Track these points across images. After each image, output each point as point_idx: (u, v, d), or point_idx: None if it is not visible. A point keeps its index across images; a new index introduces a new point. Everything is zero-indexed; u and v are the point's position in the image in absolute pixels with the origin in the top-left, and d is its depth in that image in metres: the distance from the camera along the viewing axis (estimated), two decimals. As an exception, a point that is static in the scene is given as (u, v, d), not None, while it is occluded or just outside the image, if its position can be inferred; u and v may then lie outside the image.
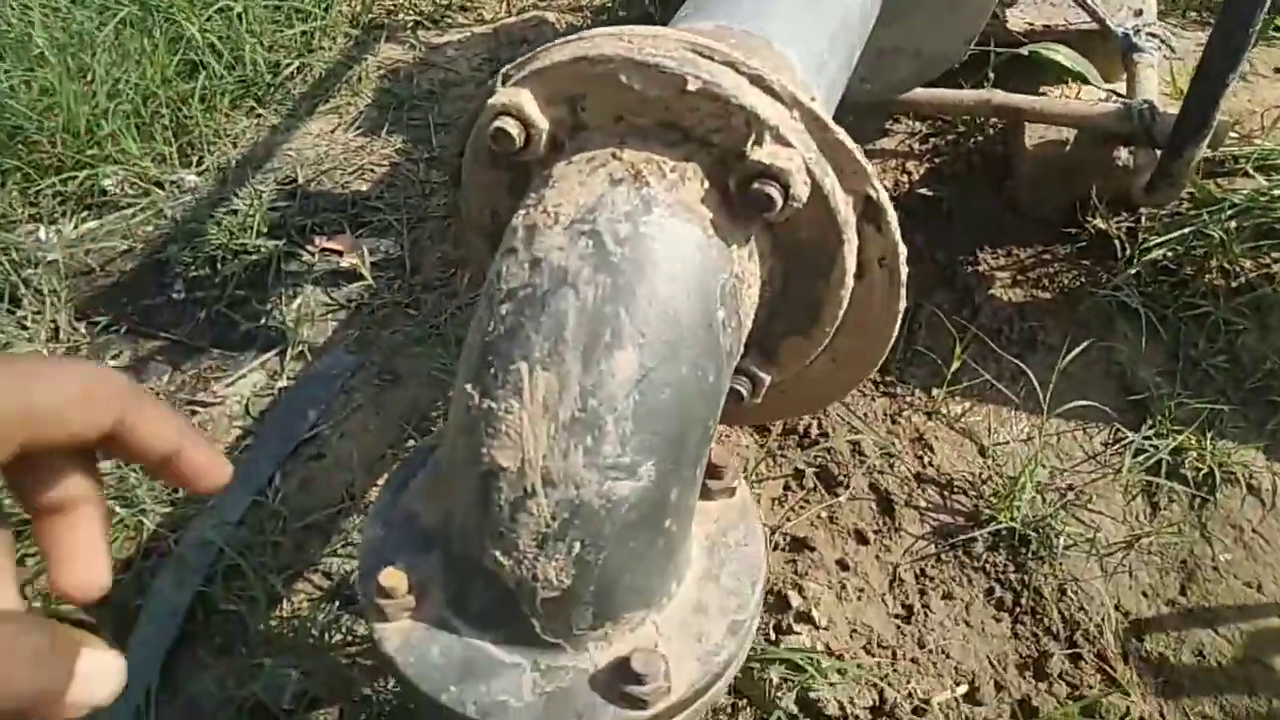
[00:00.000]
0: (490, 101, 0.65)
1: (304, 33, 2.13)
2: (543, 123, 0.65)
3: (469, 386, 0.60)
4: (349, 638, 1.16)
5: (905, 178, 1.71)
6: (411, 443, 1.34)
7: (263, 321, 1.54)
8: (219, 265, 1.62)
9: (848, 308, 0.69)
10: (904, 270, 0.67)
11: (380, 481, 1.30)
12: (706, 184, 0.62)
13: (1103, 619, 1.20)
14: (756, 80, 0.61)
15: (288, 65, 2.08)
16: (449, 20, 2.27)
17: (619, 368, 0.57)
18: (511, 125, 0.64)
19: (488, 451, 0.58)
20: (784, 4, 0.81)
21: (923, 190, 1.66)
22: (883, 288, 0.68)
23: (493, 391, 0.58)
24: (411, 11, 2.27)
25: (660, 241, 0.60)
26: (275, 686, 1.10)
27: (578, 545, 0.58)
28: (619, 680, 0.60)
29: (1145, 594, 1.23)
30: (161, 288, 1.62)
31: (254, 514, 1.28)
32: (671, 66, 0.61)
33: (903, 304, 0.69)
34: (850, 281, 0.67)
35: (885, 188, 0.66)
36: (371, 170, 1.82)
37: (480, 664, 0.62)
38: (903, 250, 0.66)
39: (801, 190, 0.60)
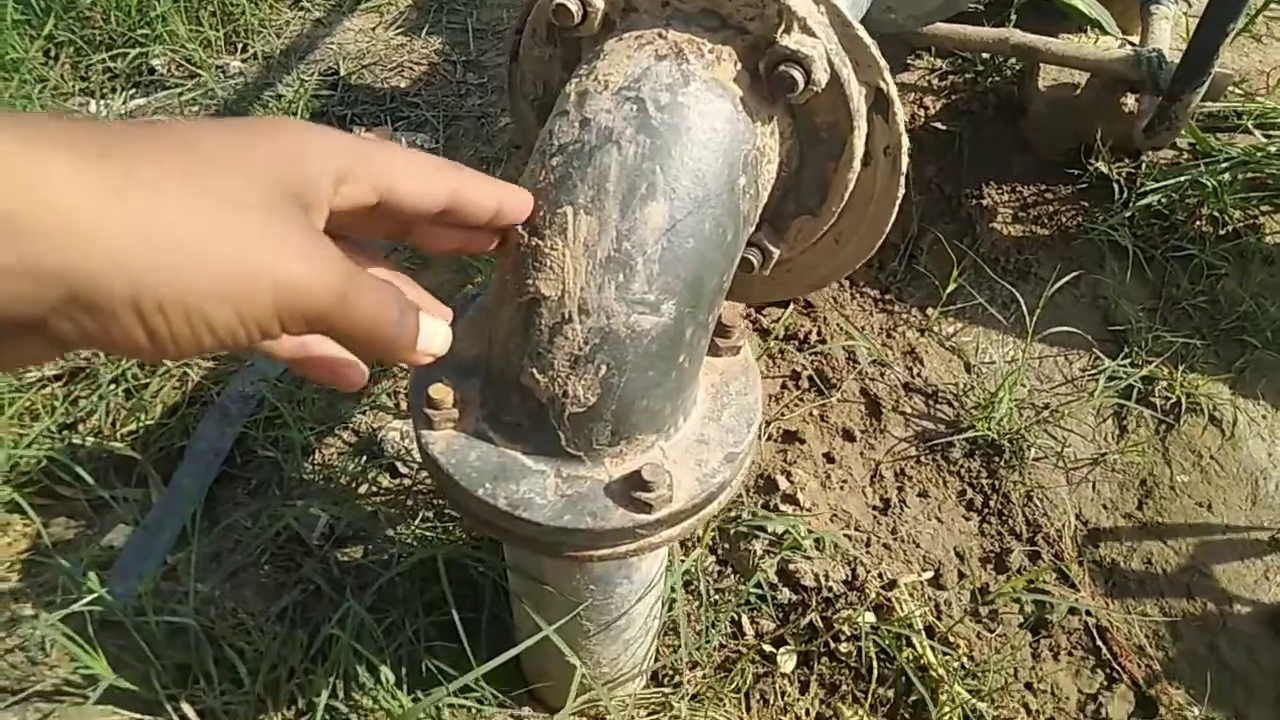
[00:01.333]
0: (552, -20, 0.73)
1: (349, -70, 2.18)
2: (599, 2, 0.73)
3: (520, 227, 0.69)
4: (374, 487, 1.27)
5: (921, 111, 1.78)
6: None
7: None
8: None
9: (853, 190, 0.78)
10: (905, 160, 0.76)
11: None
12: (739, 65, 0.71)
13: (1063, 525, 1.31)
14: (790, -26, 0.69)
15: (332, -40, 2.13)
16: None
17: (651, 216, 0.66)
18: (572, 3, 0.72)
19: (533, 282, 0.68)
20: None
21: (937, 124, 1.74)
22: (885, 174, 0.77)
23: (541, 231, 0.68)
24: (455, -83, 2.32)
25: (695, 111, 0.68)
26: (307, 523, 1.21)
27: (604, 368, 0.68)
28: (629, 488, 0.71)
29: (1105, 506, 1.33)
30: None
31: (290, 373, 1.38)
32: (716, -44, 0.69)
33: (901, 190, 0.78)
34: (858, 165, 0.76)
35: (898, 95, 0.74)
36: (410, 68, 1.89)
37: (511, 468, 0.73)
38: (906, 141, 0.75)
39: (821, 76, 0.69)
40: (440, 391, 0.73)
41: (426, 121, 1.77)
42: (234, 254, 0.35)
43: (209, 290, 0.34)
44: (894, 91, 0.73)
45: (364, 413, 1.35)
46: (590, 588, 0.91)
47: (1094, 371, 1.42)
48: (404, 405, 1.35)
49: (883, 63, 0.72)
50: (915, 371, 1.42)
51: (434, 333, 0.50)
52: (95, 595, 1.04)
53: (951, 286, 1.45)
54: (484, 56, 1.94)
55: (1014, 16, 1.67)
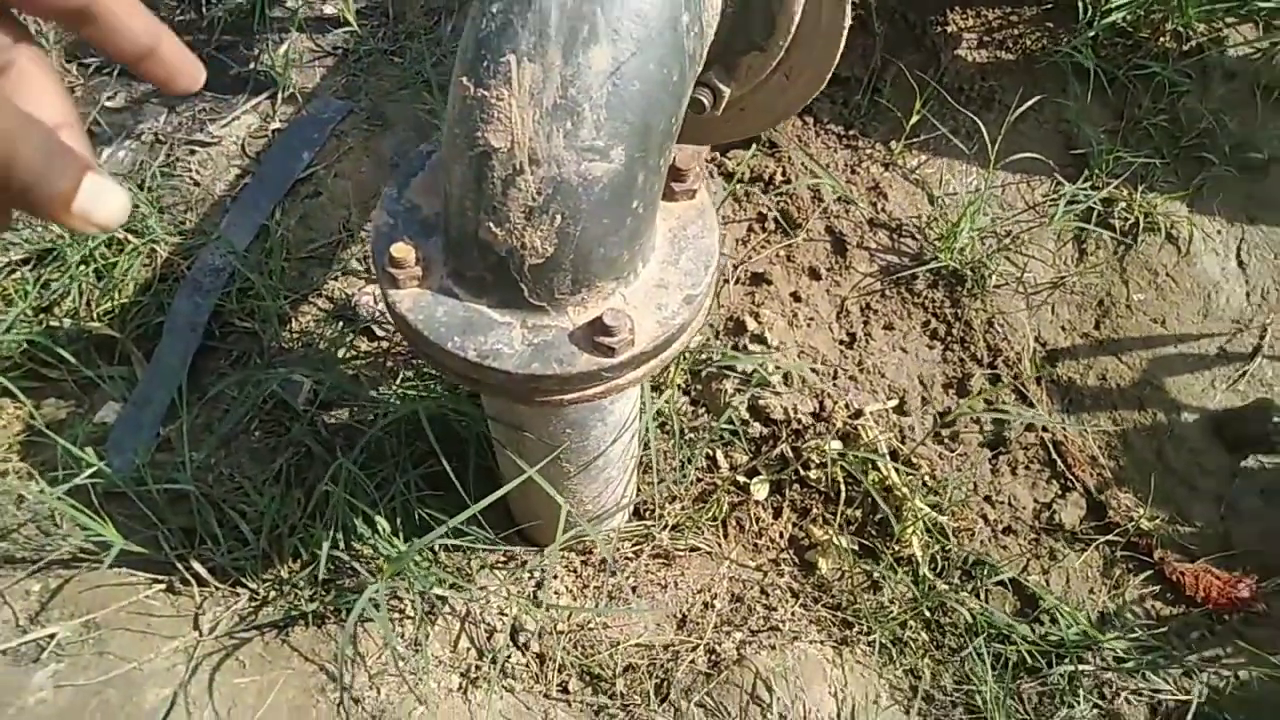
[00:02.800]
0: None
1: None
2: None
3: (464, 79, 0.69)
4: (353, 352, 1.30)
5: (884, -65, 1.72)
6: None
7: (251, 66, 1.59)
8: (204, 9, 1.64)
9: (799, 23, 0.78)
10: (850, -12, 0.75)
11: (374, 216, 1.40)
12: (676, -102, 0.69)
13: (1022, 348, 1.36)
14: None
15: None
16: None
17: (595, 60, 0.66)
18: None
19: (481, 134, 0.68)
20: None
21: (900, -52, 1.68)
22: (831, 4, 0.77)
23: (485, 81, 0.68)
24: None
25: (633, -51, 0.67)
26: (291, 389, 1.25)
27: (559, 218, 0.70)
28: (592, 334, 0.73)
29: (1063, 328, 1.38)
30: (148, 31, 1.64)
31: (259, 244, 1.39)
32: None
33: (848, 21, 0.78)
34: (802, -1, 0.75)
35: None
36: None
37: (478, 322, 0.75)
38: (850, -31, 0.74)
39: (760, -96, 0.67)
40: (402, 250, 0.75)
41: (372, -28, 1.70)
42: None
43: None
44: (836, -83, 0.72)
45: (336, 279, 1.36)
46: (567, 431, 0.95)
47: (1055, 196, 1.44)
48: (373, 270, 1.36)
49: (823, -116, 0.70)
50: (880, 206, 1.44)
51: (99, 195, 0.38)
52: (95, 469, 1.08)
53: (915, 119, 1.45)
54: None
55: None
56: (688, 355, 1.19)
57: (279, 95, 1.54)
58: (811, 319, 1.34)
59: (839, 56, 0.80)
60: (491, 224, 0.70)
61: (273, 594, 1.11)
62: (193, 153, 1.49)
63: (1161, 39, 1.53)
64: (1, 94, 0.36)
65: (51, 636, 1.07)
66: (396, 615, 1.09)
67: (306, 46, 1.61)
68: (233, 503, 1.14)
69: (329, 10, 1.64)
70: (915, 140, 1.48)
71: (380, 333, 1.30)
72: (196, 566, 1.11)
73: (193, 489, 1.12)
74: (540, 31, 0.66)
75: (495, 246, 0.71)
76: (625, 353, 0.74)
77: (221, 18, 1.62)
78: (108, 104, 1.55)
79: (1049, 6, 1.59)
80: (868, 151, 1.50)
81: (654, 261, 0.81)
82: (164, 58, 0.43)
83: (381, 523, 1.06)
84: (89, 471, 1.08)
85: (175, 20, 1.65)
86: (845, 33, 0.78)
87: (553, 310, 0.75)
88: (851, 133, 1.52)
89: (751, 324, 1.31)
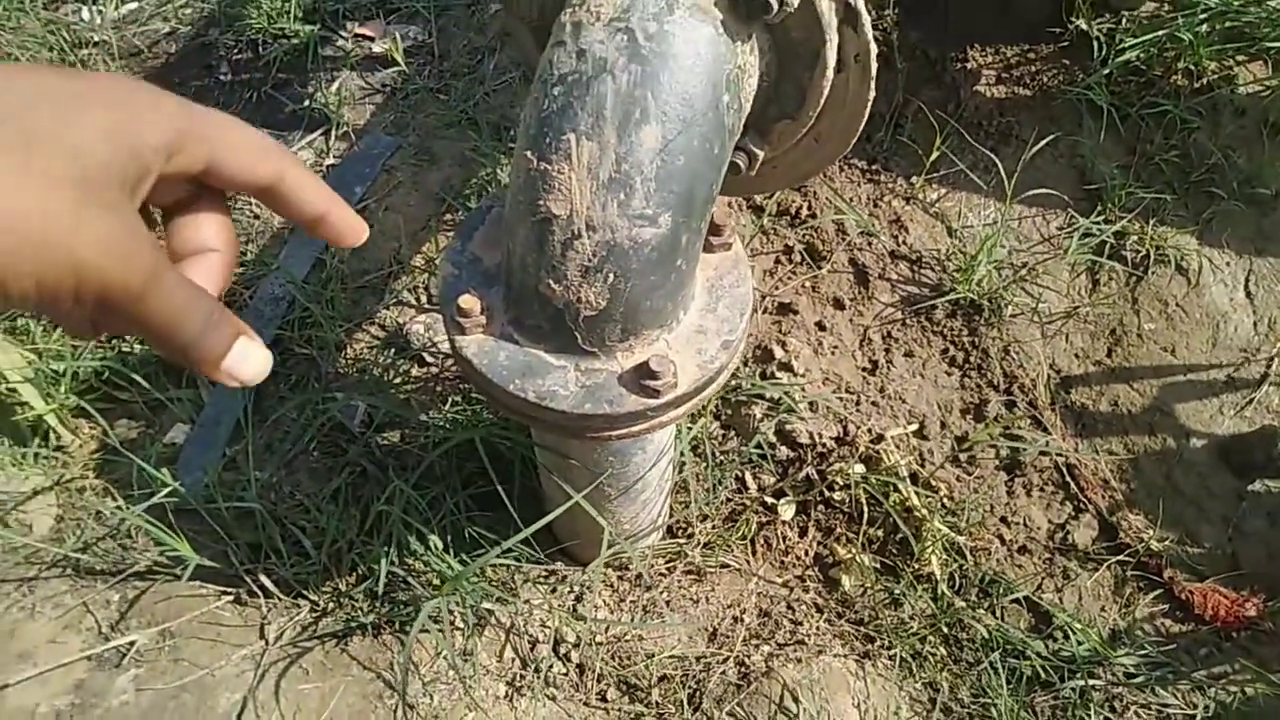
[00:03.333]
0: (542, -87, 0.78)
1: None
2: (583, -70, 0.78)
3: (528, 153, 0.77)
4: (405, 378, 1.39)
5: (907, -26, 1.79)
6: (449, 216, 1.52)
7: (306, 104, 1.68)
8: (260, 49, 1.74)
9: (828, 95, 0.85)
10: (874, 65, 0.83)
11: (424, 249, 1.49)
12: (719, -10, 0.77)
13: (1037, 375, 1.42)
14: (762, -99, 0.75)
15: None
16: None
17: (646, 139, 0.75)
18: (559, -74, 0.78)
19: (544, 203, 0.76)
20: None
21: (922, -13, 1.75)
22: (857, 79, 0.84)
23: (547, 156, 0.76)
24: None
25: (680, 38, 0.75)
26: (347, 412, 1.34)
27: (612, 276, 0.78)
28: (639, 377, 0.81)
29: (1077, 355, 1.45)
30: (208, 70, 1.74)
31: (315, 274, 1.48)
32: (693, -112, 0.74)
33: (872, 93, 0.85)
34: (831, 74, 0.83)
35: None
36: (396, -44, 1.89)
37: (536, 366, 0.83)
38: (874, 49, 0.82)
39: (794, -2, 0.75)
40: (469, 301, 0.83)
41: (417, 13, 1.79)
42: (43, 233, 0.36)
43: (13, 261, 0.35)
44: (861, 5, 0.79)
45: (388, 308, 1.45)
46: (610, 459, 1.03)
47: (1069, 229, 1.50)
48: (424, 300, 1.45)
49: (851, -21, 0.78)
50: (901, 239, 1.51)
51: (247, 357, 0.45)
52: (170, 488, 1.17)
53: (935, 155, 1.52)
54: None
55: None
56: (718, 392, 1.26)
57: (332, 132, 1.63)
58: (836, 347, 1.42)
59: (864, 123, 0.88)
60: (551, 281, 0.78)
61: (332, 606, 1.20)
62: (252, 187, 1.58)
63: (1173, 77, 1.59)
64: (179, 275, 0.42)
65: (131, 644, 1.16)
66: (448, 627, 1.17)
67: (357, 85, 1.71)
68: (295, 519, 1.23)
69: (378, 49, 1.74)
70: (935, 175, 1.55)
71: (430, 360, 1.39)
72: (263, 579, 1.20)
73: (258, 506, 1.21)
74: (597, 113, 0.74)
75: (554, 300, 0.79)
76: (669, 394, 0.82)
77: (278, 57, 1.72)
78: (171, 140, 1.65)
79: (1065, 45, 1.66)
80: (889, 186, 1.57)
81: (694, 309, 0.89)
82: (334, 223, 0.51)
83: (434, 540, 1.14)
84: (165, 490, 1.17)
85: (233, 59, 1.75)
86: (870, 104, 0.86)
87: (603, 355, 0.83)
88: (874, 167, 1.59)
89: (779, 352, 1.38)
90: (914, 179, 1.56)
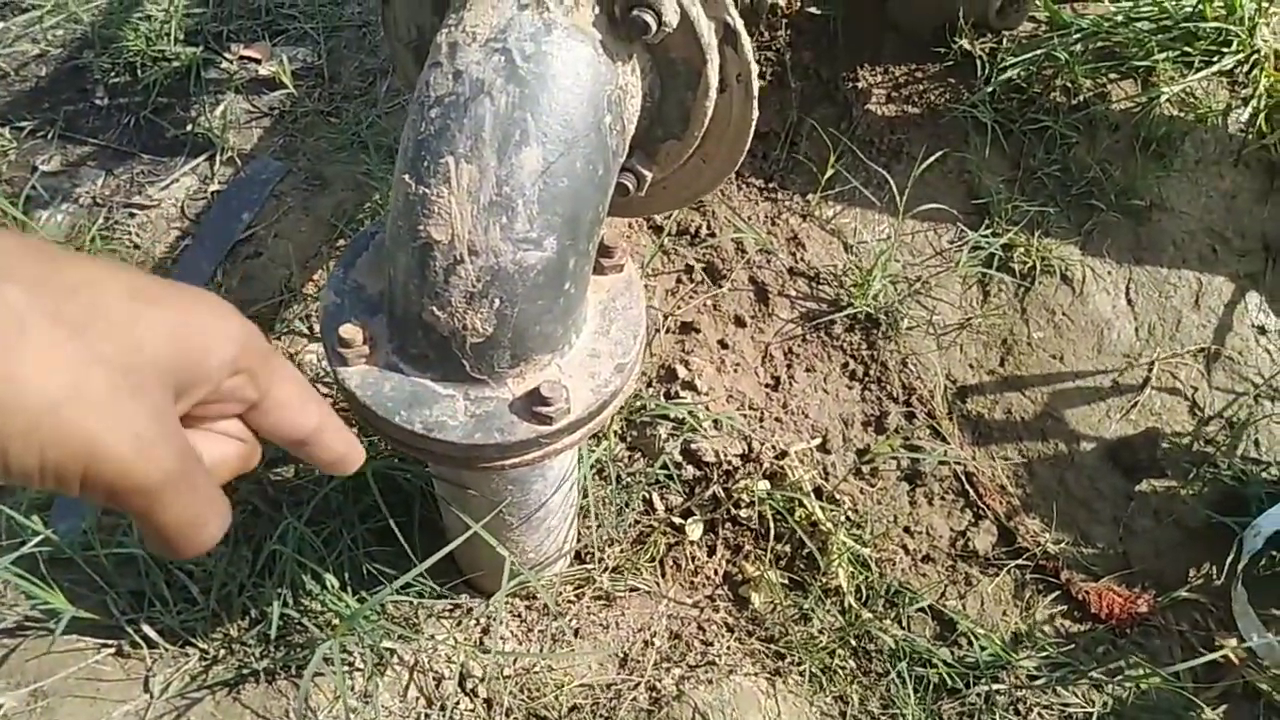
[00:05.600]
0: (414, -68, 0.76)
1: None
2: (457, -51, 0.77)
3: (406, 177, 0.75)
4: (298, 409, 1.33)
5: (797, -4, 1.82)
6: (342, 241, 1.48)
7: (189, 128, 1.62)
8: (139, 72, 1.67)
9: (712, 115, 0.85)
10: (756, 84, 0.83)
11: (315, 277, 1.44)
12: (597, 9, 0.76)
13: (934, 386, 1.45)
14: (637, -79, 0.74)
15: None
16: None
17: (526, 161, 0.73)
18: (433, -46, 0.76)
19: (424, 228, 0.74)
20: None
21: (811, 9, 1.78)
22: (740, 99, 0.84)
23: (426, 180, 0.74)
24: None
25: (559, 59, 0.74)
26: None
27: (497, 301, 0.76)
28: (531, 404, 0.80)
29: (971, 365, 1.48)
30: (83, 93, 1.66)
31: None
32: (566, -92, 0.73)
33: (756, 113, 0.85)
34: (714, 94, 0.83)
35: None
36: (282, -24, 1.85)
37: (423, 395, 0.81)
38: (755, 68, 0.82)
39: (672, 18, 0.75)
40: (350, 331, 0.80)
41: (306, 35, 1.74)
42: (55, 412, 0.34)
43: (20, 432, 0.33)
44: (740, 25, 0.79)
45: (279, 338, 1.40)
46: (509, 487, 1.01)
47: (960, 243, 1.54)
48: (316, 329, 1.40)
49: (727, 0, 0.78)
50: (799, 256, 1.53)
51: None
52: (42, 537, 1.10)
53: (830, 172, 1.54)
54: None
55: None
56: (623, 406, 1.25)
57: (217, 157, 1.57)
58: (738, 364, 1.42)
59: (749, 144, 0.88)
60: (434, 308, 0.76)
61: (223, 653, 1.14)
62: (132, 215, 1.51)
63: (1052, 94, 1.65)
64: (206, 479, 0.40)
65: None
66: (347, 669, 1.13)
67: (243, 108, 1.65)
68: (180, 564, 1.17)
69: (265, 72, 1.68)
70: (830, 192, 1.57)
71: (325, 390, 1.34)
72: (146, 629, 1.13)
73: (140, 552, 1.14)
74: (476, 135, 0.73)
75: (438, 328, 0.77)
76: (562, 420, 0.80)
77: (158, 80, 1.65)
78: (44, 168, 1.57)
79: (950, 64, 1.71)
80: (787, 204, 1.59)
81: (587, 332, 0.88)
82: (349, 464, 0.52)
83: (330, 579, 1.10)
84: (36, 540, 1.10)
85: (110, 83, 1.68)
86: (754, 123, 0.86)
87: (493, 383, 0.81)
88: (771, 185, 1.61)
89: (682, 371, 1.38)
90: (810, 196, 1.58)
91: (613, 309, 0.90)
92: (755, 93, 0.84)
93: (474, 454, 0.80)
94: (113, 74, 1.68)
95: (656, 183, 0.93)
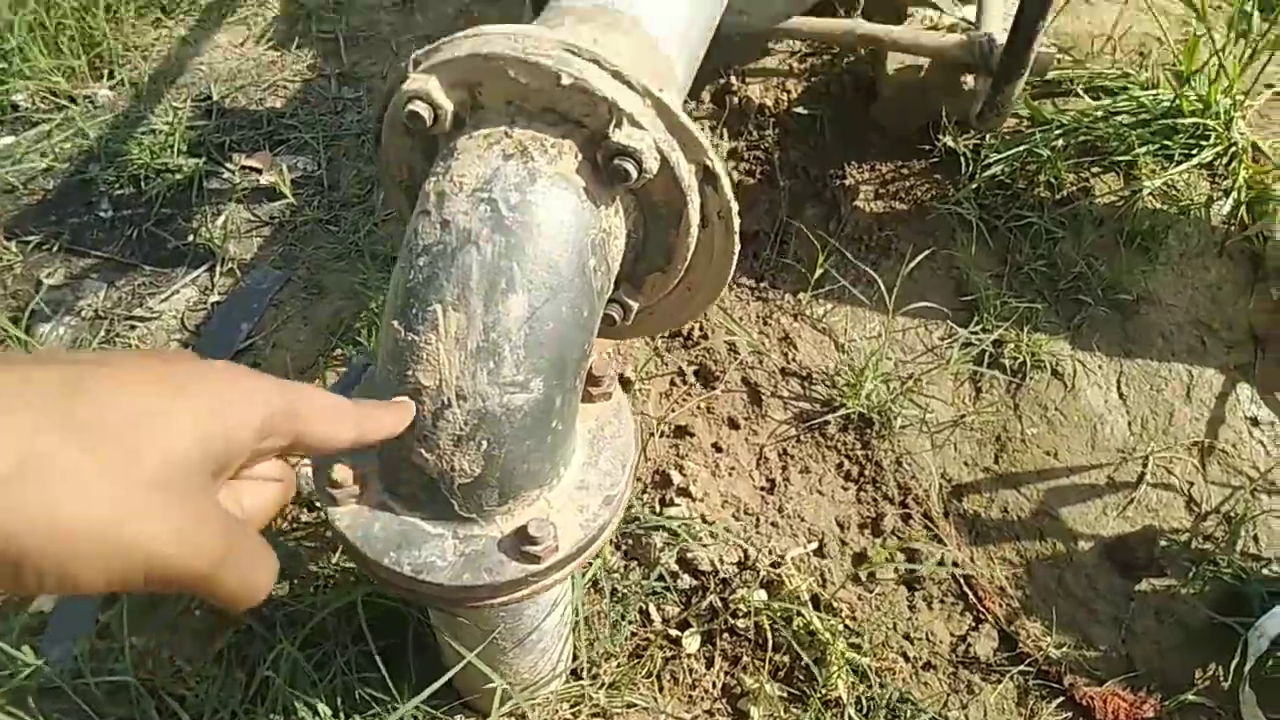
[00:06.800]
0: (404, 88, 0.79)
1: (206, -60, 2.14)
2: (447, 105, 0.79)
3: (395, 323, 0.77)
4: (294, 524, 1.34)
5: (785, 95, 1.87)
6: (339, 351, 1.50)
7: (190, 239, 1.65)
8: (143, 184, 1.71)
9: (695, 249, 0.87)
10: (736, 220, 0.85)
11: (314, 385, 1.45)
12: (580, 157, 0.79)
13: (930, 485, 1.45)
14: (617, 75, 0.77)
15: (192, -26, 2.10)
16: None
17: (512, 308, 0.75)
18: (422, 108, 0.78)
19: (412, 373, 0.75)
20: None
21: (799, 109, 1.83)
22: (721, 233, 0.86)
23: (415, 327, 0.75)
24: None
25: (543, 207, 0.76)
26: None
27: (485, 443, 0.77)
28: (519, 543, 0.80)
29: (966, 463, 1.48)
30: (89, 206, 1.70)
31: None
32: (549, 65, 0.76)
33: (737, 245, 0.87)
34: (696, 230, 0.85)
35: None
36: (284, 86, 1.90)
37: (413, 535, 0.81)
38: (735, 206, 0.84)
39: (652, 164, 0.77)
40: (341, 472, 0.81)
41: (306, 144, 1.79)
42: (117, 536, 0.38)
43: (84, 560, 0.38)
44: (720, 166, 0.82)
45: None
46: (501, 615, 1.00)
47: (951, 339, 1.55)
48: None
49: (706, 143, 0.81)
50: (791, 356, 1.54)
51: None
52: (33, 668, 1.09)
53: (819, 272, 1.56)
54: (358, 67, 1.95)
55: (861, 3, 1.77)
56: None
57: (218, 268, 1.60)
58: (733, 468, 1.42)
59: (732, 272, 0.90)
60: (423, 450, 0.77)
61: (215, 780, 1.12)
62: (133, 328, 1.53)
63: (1037, 189, 1.68)
64: (248, 543, 0.46)
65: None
66: (340, 796, 1.11)
67: (244, 218, 1.68)
68: (172, 689, 1.16)
69: (265, 181, 1.72)
70: (821, 291, 1.59)
71: (320, 505, 1.34)
72: (136, 758, 1.12)
73: (132, 680, 1.13)
74: (463, 284, 0.74)
75: (427, 469, 0.78)
76: (550, 559, 0.80)
77: (161, 192, 1.69)
78: (48, 281, 1.59)
79: (935, 160, 1.74)
80: (778, 303, 1.61)
81: (576, 464, 0.88)
82: (398, 429, 0.68)
83: (323, 708, 1.08)
84: (27, 671, 1.09)
85: (114, 195, 1.72)
86: (736, 255, 0.88)
87: (482, 521, 0.81)
88: (763, 285, 1.63)
89: (677, 477, 1.38)
90: (801, 295, 1.60)
91: (601, 438, 0.91)
92: (736, 227, 0.86)
93: (463, 595, 0.80)
94: (117, 186, 1.72)
95: (643, 310, 0.94)
